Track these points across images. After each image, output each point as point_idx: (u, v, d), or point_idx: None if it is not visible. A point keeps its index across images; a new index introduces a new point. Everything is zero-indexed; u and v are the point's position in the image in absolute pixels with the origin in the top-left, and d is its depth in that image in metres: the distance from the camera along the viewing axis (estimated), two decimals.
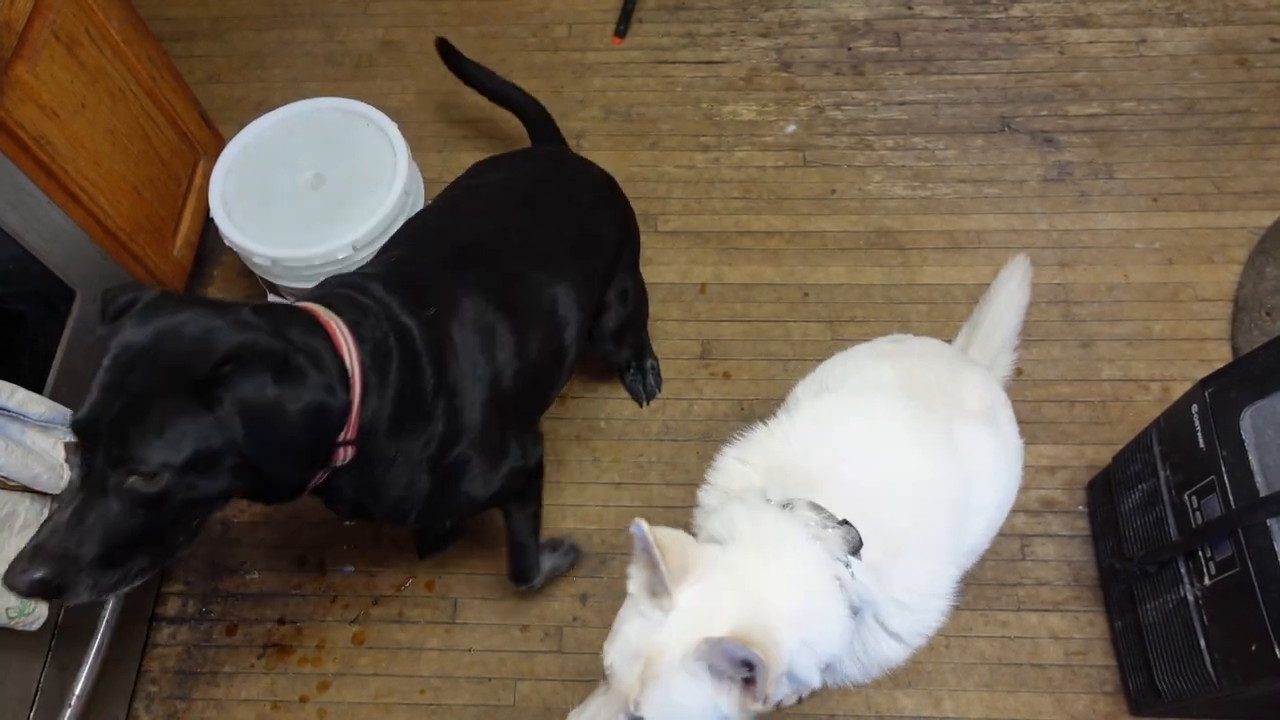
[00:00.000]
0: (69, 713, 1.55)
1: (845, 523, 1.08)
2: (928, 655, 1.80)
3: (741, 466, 1.23)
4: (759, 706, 0.97)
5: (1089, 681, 1.77)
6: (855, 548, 1.07)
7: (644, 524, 0.97)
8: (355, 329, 1.21)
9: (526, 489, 1.63)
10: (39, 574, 1.02)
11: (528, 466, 1.55)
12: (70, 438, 1.43)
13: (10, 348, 1.52)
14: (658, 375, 2.13)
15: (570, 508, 2.00)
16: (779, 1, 2.78)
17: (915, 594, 1.12)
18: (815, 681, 1.04)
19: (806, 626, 1.01)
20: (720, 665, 0.94)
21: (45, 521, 1.06)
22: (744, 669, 0.94)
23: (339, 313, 1.22)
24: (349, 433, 1.18)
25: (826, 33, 2.71)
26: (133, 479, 1.02)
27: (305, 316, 1.18)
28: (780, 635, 0.98)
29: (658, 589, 0.99)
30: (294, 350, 1.10)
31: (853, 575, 1.04)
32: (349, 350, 1.18)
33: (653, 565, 0.99)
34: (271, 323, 1.12)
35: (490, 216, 1.54)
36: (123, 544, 1.05)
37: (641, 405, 2.11)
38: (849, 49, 2.67)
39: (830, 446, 1.19)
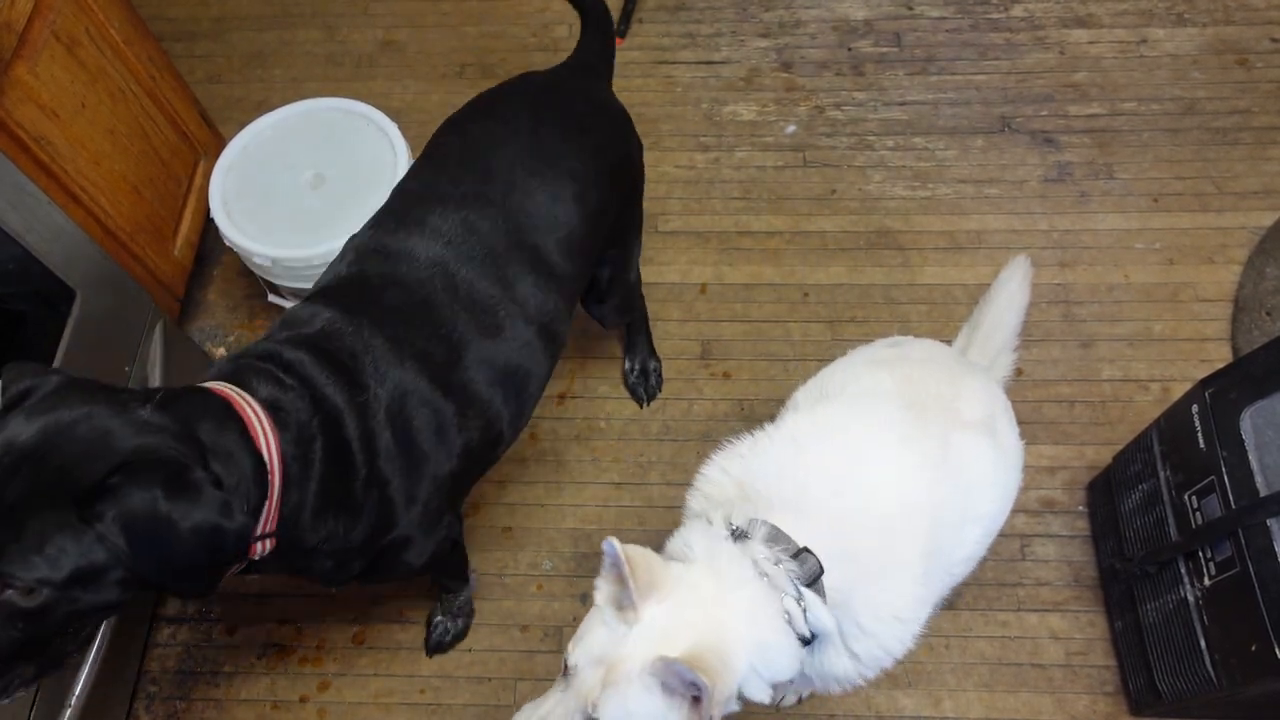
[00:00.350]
0: (69, 713, 1.55)
1: (804, 551, 1.09)
2: (928, 655, 1.80)
3: (722, 477, 1.25)
4: None
5: (1089, 682, 1.77)
6: (813, 578, 1.09)
7: (616, 543, 1.01)
8: (275, 414, 1.11)
9: (451, 556, 1.59)
10: None
11: (454, 536, 1.51)
12: None
13: (10, 348, 1.52)
14: (659, 377, 2.13)
15: (570, 507, 2.00)
16: (779, 1, 2.78)
17: (878, 619, 1.14)
18: (766, 699, 1.08)
19: (755, 654, 1.04)
20: (672, 683, 0.99)
21: None
22: (693, 688, 0.98)
23: (255, 393, 1.12)
24: (268, 525, 1.10)
25: (826, 33, 2.71)
26: (9, 592, 0.94)
27: (218, 405, 1.08)
28: (734, 660, 1.02)
29: (624, 603, 1.04)
30: (197, 457, 1.01)
31: (804, 609, 1.07)
32: (267, 442, 1.09)
33: (621, 581, 1.03)
34: (178, 421, 1.02)
35: (444, 263, 1.32)
36: (5, 655, 0.97)
37: (642, 407, 2.11)
38: (849, 49, 2.67)
39: (805, 467, 1.20)
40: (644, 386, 2.11)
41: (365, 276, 1.33)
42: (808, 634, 1.08)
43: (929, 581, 1.20)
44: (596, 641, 1.05)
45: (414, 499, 1.29)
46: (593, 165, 1.47)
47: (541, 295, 1.39)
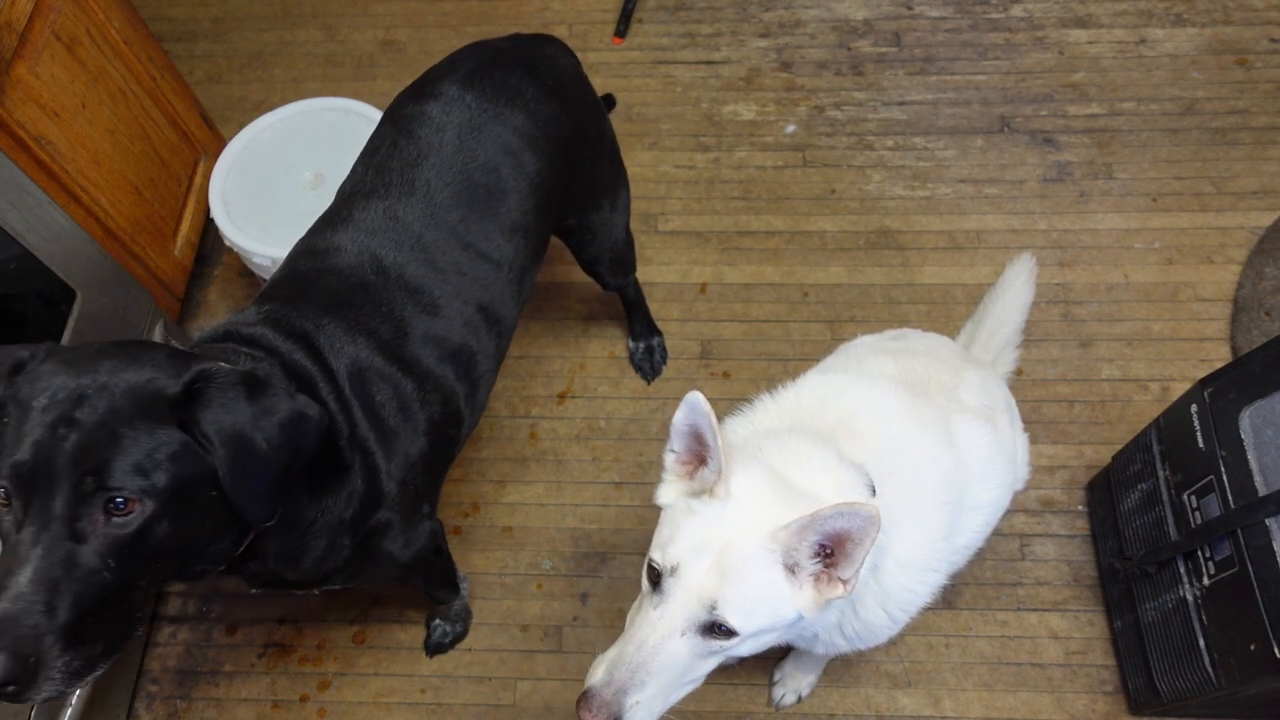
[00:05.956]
0: (69, 713, 1.55)
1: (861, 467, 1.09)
2: (928, 655, 1.80)
3: (776, 407, 1.24)
4: (839, 593, 0.93)
5: (1089, 681, 1.78)
6: (870, 488, 1.08)
7: (701, 397, 0.93)
8: None
9: (436, 561, 1.58)
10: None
11: (438, 540, 1.51)
12: None
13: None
14: (664, 351, 2.16)
15: (570, 507, 2.00)
16: (779, 1, 2.78)
17: (914, 555, 1.13)
18: (833, 615, 1.04)
19: None
20: (795, 555, 0.92)
21: None
22: (815, 561, 0.91)
23: (235, 365, 1.13)
24: None
25: (826, 33, 2.71)
26: (109, 523, 0.93)
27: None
28: None
29: (708, 479, 0.96)
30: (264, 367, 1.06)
31: None
32: None
33: (697, 454, 0.96)
34: (213, 352, 1.09)
35: (371, 250, 1.34)
36: (93, 608, 0.93)
37: (649, 383, 2.13)
38: (849, 49, 2.67)
39: (846, 405, 1.21)
40: (649, 363, 2.14)
41: (297, 273, 1.34)
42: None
43: (950, 539, 1.20)
44: (690, 531, 0.95)
45: (391, 474, 1.29)
46: (531, 139, 1.45)
47: (476, 276, 1.40)
